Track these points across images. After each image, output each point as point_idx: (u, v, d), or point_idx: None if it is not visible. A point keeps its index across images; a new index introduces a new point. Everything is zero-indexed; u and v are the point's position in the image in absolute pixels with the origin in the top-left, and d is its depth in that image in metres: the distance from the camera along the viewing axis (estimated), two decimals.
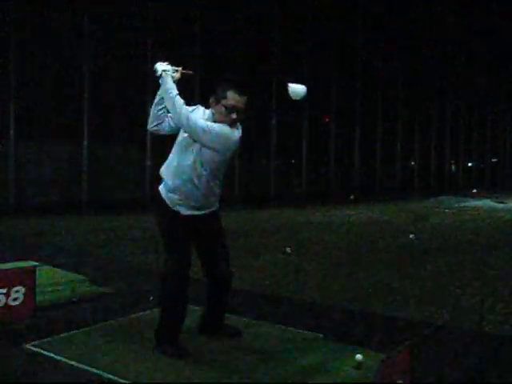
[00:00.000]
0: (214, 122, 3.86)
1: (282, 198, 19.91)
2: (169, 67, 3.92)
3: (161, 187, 4.03)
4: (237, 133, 3.92)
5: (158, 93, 3.95)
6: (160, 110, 3.95)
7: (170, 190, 3.95)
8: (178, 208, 3.94)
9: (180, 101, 3.81)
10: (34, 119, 14.54)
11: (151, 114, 4.01)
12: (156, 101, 3.97)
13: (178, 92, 3.85)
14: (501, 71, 33.35)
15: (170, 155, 4.04)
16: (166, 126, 4.00)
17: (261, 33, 19.85)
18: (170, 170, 3.97)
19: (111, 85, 15.78)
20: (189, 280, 3.95)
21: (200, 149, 3.83)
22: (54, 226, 11.20)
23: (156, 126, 4.02)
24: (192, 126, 3.77)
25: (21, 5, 13.86)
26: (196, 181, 3.88)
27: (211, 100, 3.93)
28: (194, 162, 3.86)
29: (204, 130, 3.76)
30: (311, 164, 22.53)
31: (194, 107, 4.02)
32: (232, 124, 3.87)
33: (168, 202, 3.95)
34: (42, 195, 14.66)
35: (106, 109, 15.72)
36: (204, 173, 3.87)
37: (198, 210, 3.97)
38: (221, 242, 4.16)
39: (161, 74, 3.87)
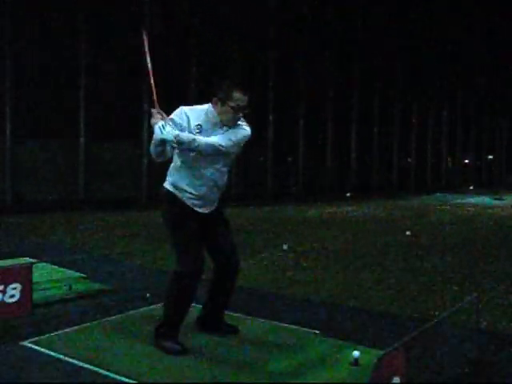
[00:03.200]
0: (221, 121, 3.90)
1: (278, 196, 19.93)
2: (159, 117, 3.79)
3: (174, 189, 3.98)
4: (249, 128, 4.04)
5: (157, 139, 3.80)
6: (160, 148, 3.94)
7: (192, 198, 3.96)
8: (198, 208, 3.99)
9: (202, 139, 3.80)
10: (30, 118, 14.51)
11: (153, 152, 3.96)
12: (154, 143, 3.88)
13: (193, 135, 3.81)
14: (499, 71, 33.40)
15: (180, 168, 3.98)
16: (169, 153, 4.02)
17: (259, 31, 19.85)
18: (192, 181, 3.95)
19: (108, 83, 15.77)
20: (201, 277, 3.97)
21: (224, 156, 3.95)
22: (50, 223, 11.20)
23: (162, 158, 4.04)
24: (227, 150, 3.88)
25: (18, 3, 13.84)
26: (220, 182, 4.03)
27: (215, 100, 3.92)
28: (220, 167, 3.98)
29: (235, 146, 3.92)
30: (308, 161, 22.56)
31: (178, 112, 3.93)
32: (236, 121, 3.95)
33: (189, 204, 3.96)
34: (38, 193, 14.65)
35: (102, 107, 15.71)
36: (226, 171, 4.06)
37: (214, 204, 4.07)
38: (229, 228, 4.23)
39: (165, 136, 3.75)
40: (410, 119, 28.66)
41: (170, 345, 3.87)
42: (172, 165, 4.08)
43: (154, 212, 13.46)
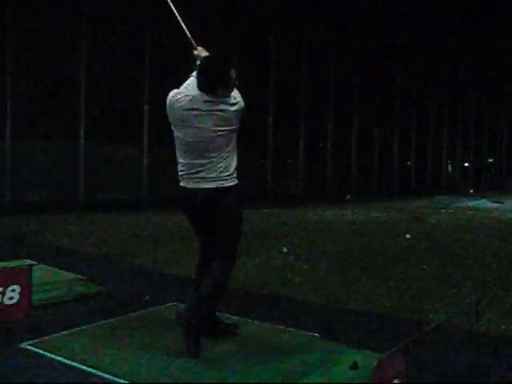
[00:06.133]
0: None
1: (278, 198, 19.92)
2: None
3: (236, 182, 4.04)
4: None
5: None
6: None
7: None
8: None
9: None
10: (30, 118, 14.50)
11: None
12: None
13: None
14: (500, 72, 33.39)
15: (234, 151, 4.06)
16: None
17: (258, 30, 19.86)
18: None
19: (108, 84, 15.77)
20: None
21: None
22: (50, 224, 11.18)
23: None
24: None
25: (18, 4, 13.84)
26: None
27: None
28: None
29: None
30: (308, 164, 22.54)
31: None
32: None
33: None
34: (38, 194, 14.63)
35: (102, 108, 15.70)
36: None
37: None
38: None
39: None
40: (409, 122, 28.67)
41: (195, 347, 3.78)
42: (227, 156, 3.97)
43: (154, 213, 13.50)
